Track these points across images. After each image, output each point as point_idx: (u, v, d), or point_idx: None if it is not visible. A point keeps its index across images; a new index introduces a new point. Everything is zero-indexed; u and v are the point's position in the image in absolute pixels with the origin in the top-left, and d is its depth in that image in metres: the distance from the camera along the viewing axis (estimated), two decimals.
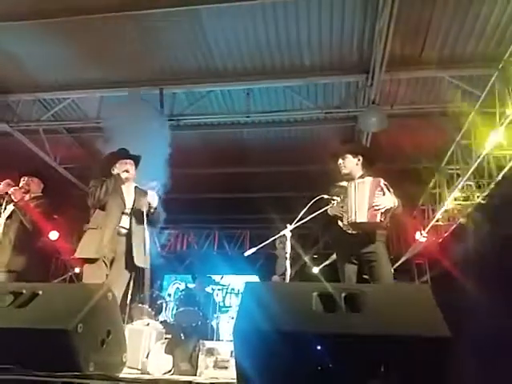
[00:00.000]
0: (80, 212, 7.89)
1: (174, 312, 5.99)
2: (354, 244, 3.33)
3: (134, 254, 3.39)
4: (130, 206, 3.55)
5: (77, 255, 3.35)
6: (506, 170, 5.31)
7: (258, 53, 5.34)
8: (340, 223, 3.37)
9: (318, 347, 1.69)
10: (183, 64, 5.52)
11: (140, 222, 3.50)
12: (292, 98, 6.00)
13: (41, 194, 4.43)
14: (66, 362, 2.00)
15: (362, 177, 3.51)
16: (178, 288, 7.13)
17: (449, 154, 6.20)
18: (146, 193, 3.61)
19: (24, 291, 2.35)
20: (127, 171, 3.60)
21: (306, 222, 3.25)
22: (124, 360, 2.42)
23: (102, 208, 3.46)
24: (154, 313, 5.43)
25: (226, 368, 3.84)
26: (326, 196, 3.37)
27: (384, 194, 3.28)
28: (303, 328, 1.72)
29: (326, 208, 3.32)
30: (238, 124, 6.61)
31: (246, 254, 3.42)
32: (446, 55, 5.19)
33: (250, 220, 8.86)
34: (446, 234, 7.31)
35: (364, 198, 3.29)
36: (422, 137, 6.36)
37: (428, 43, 5.05)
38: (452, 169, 6.20)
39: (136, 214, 3.53)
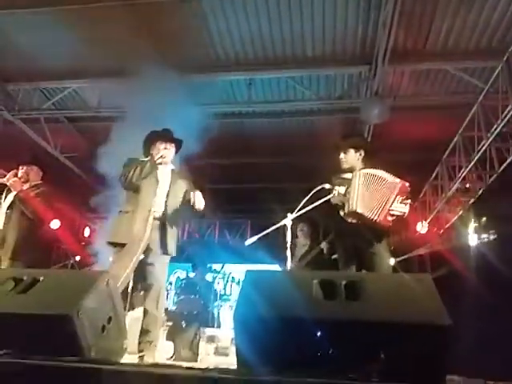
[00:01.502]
0: (81, 200, 7.97)
1: (175, 300, 6.03)
2: (354, 233, 3.32)
3: (168, 242, 3.22)
4: (166, 190, 3.34)
5: (108, 239, 3.20)
6: (508, 161, 5.30)
7: (260, 43, 5.31)
8: (341, 213, 3.36)
9: (318, 333, 1.70)
10: (185, 53, 5.48)
11: (175, 207, 3.32)
12: (294, 88, 5.98)
13: (40, 182, 4.38)
14: (67, 347, 2.01)
15: (364, 168, 3.49)
16: (178, 277, 7.16)
17: (451, 145, 6.18)
18: (183, 177, 3.46)
19: (25, 277, 2.36)
20: (163, 156, 3.32)
21: (307, 212, 3.25)
22: (125, 346, 2.44)
23: (136, 191, 3.25)
24: None
25: (227, 355, 3.88)
26: (327, 186, 3.36)
27: (405, 202, 3.21)
28: (303, 314, 1.72)
29: (327, 197, 3.32)
30: (240, 114, 6.59)
31: (247, 243, 3.42)
32: (450, 47, 5.15)
33: (251, 210, 8.87)
34: (447, 226, 7.32)
35: (376, 191, 3.22)
36: (424, 128, 6.34)
37: (432, 35, 5.02)
38: (454, 160, 6.19)
39: (171, 199, 3.33)
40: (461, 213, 6.86)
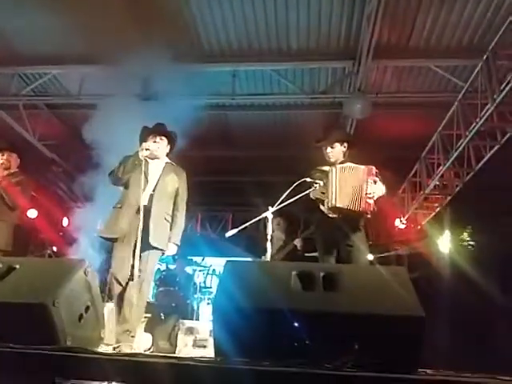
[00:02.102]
0: (59, 189, 7.83)
1: (155, 292, 6.00)
2: (333, 227, 3.37)
3: (151, 233, 3.19)
4: (154, 184, 3.35)
5: (99, 234, 3.27)
6: (484, 160, 5.42)
7: (245, 34, 5.28)
8: (322, 207, 3.41)
9: (295, 324, 1.72)
10: (168, 43, 5.40)
11: (162, 200, 3.33)
12: (278, 81, 5.97)
13: (17, 171, 4.27)
14: (43, 335, 2.00)
15: (342, 162, 3.56)
16: (158, 268, 7.12)
17: (430, 143, 6.28)
18: (178, 172, 3.49)
19: (0, 265, 2.33)
20: (147, 149, 3.31)
21: (287, 205, 3.28)
22: (102, 335, 2.43)
23: (125, 186, 3.33)
24: None
25: (205, 347, 3.89)
26: (308, 179, 3.39)
27: (376, 183, 3.33)
28: (281, 305, 1.74)
29: (307, 191, 3.35)
30: (223, 106, 6.55)
31: (228, 234, 3.44)
32: (433, 45, 5.22)
33: (233, 203, 8.86)
34: (424, 222, 7.46)
35: (348, 182, 3.33)
36: (404, 125, 6.43)
37: (415, 31, 5.07)
38: (433, 158, 6.29)
39: (158, 192, 3.33)
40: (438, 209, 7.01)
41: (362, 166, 3.40)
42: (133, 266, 3.13)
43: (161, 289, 5.92)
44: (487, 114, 4.66)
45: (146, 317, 4.67)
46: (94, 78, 5.92)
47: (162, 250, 3.33)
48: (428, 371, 1.87)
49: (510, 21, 4.20)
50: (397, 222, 7.68)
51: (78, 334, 2.14)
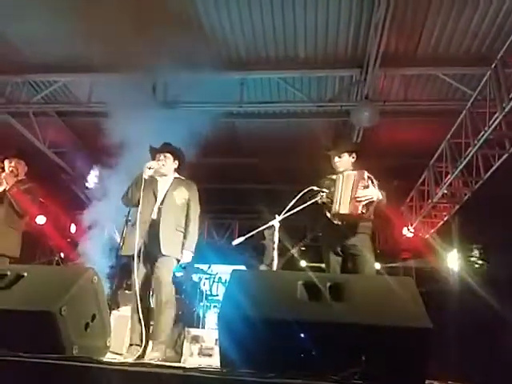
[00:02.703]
0: (68, 196, 7.89)
1: None
2: (339, 235, 3.37)
3: (161, 243, 3.34)
4: (161, 198, 3.52)
5: (121, 253, 3.39)
6: (493, 168, 5.37)
7: (253, 42, 5.32)
8: (328, 214, 3.40)
9: (302, 335, 1.71)
10: (178, 51, 5.45)
11: (170, 211, 3.48)
12: (285, 89, 5.99)
13: (25, 178, 4.30)
14: (49, 344, 1.99)
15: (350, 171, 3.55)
16: None
17: (439, 151, 6.25)
18: (187, 186, 3.63)
19: (8, 273, 2.34)
20: (150, 168, 3.47)
21: (294, 214, 3.27)
22: (108, 344, 2.42)
23: (137, 204, 3.46)
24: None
25: (211, 355, 3.87)
26: (315, 188, 3.39)
27: (367, 187, 3.33)
28: (287, 316, 1.73)
29: (315, 199, 3.34)
30: (231, 114, 6.58)
31: (234, 243, 3.43)
32: (441, 53, 5.22)
33: (239, 210, 8.86)
34: (432, 231, 7.40)
35: (348, 189, 3.35)
36: (412, 134, 6.41)
37: (423, 40, 5.07)
38: (441, 166, 6.25)
39: (166, 204, 3.50)
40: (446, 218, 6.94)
41: (355, 171, 3.42)
42: (151, 279, 3.35)
43: None
44: (496, 122, 4.63)
45: (151, 325, 4.67)
46: (103, 86, 5.98)
47: (176, 258, 3.44)
48: (435, 383, 1.85)
49: None
50: (404, 231, 7.63)
51: (84, 342, 2.14)
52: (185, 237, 3.52)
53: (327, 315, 1.76)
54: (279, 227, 4.84)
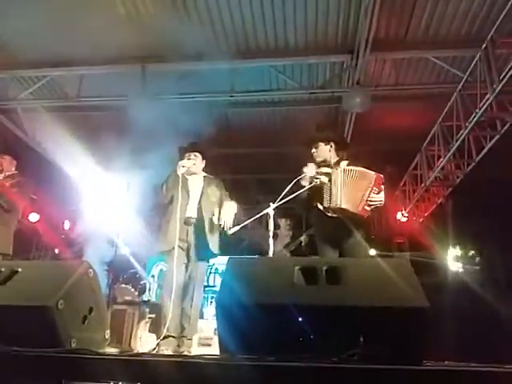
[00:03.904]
0: (61, 192, 7.83)
1: (158, 292, 6.00)
2: (335, 227, 3.35)
3: (205, 245, 3.54)
4: (198, 197, 3.68)
5: (156, 249, 3.57)
6: (485, 150, 5.40)
7: (242, 31, 5.26)
8: (320, 206, 3.39)
9: (300, 319, 1.71)
10: (166, 42, 5.39)
11: (209, 210, 3.65)
12: (277, 77, 5.95)
13: (15, 172, 4.22)
14: (47, 338, 1.99)
15: (338, 163, 3.55)
16: (161, 269, 7.12)
17: (430, 135, 6.26)
18: (217, 184, 3.83)
19: (3, 269, 2.32)
20: (183, 166, 3.63)
21: (288, 202, 3.28)
22: (106, 337, 2.42)
23: (171, 202, 3.63)
24: (137, 293, 5.42)
25: (210, 345, 3.88)
26: (310, 172, 3.37)
27: (380, 192, 3.33)
28: (285, 300, 1.73)
29: (309, 186, 3.33)
30: (222, 104, 6.53)
31: (230, 232, 3.44)
32: (431, 36, 5.20)
33: (236, 200, 8.84)
34: (426, 214, 7.45)
35: (357, 187, 3.30)
36: (404, 118, 6.41)
37: (413, 24, 5.05)
38: (433, 150, 6.27)
39: (204, 204, 3.67)
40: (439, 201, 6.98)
41: (373, 173, 3.35)
42: (183, 276, 3.50)
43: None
44: (487, 103, 4.64)
45: (150, 317, 4.68)
46: (92, 80, 5.91)
47: (212, 253, 3.66)
48: (434, 362, 1.87)
49: (508, 9, 4.17)
50: (398, 216, 7.67)
51: (82, 335, 2.13)
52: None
53: (325, 299, 1.77)
54: (288, 218, 5.04)
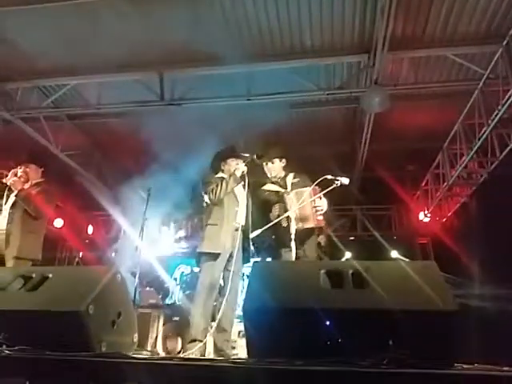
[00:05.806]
0: (83, 198, 7.98)
1: (181, 295, 6.06)
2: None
3: (250, 251, 3.55)
4: (245, 204, 3.65)
5: (200, 249, 3.49)
6: (509, 147, 5.29)
7: (258, 34, 5.27)
8: (284, 224, 3.45)
9: (327, 323, 1.71)
10: (183, 48, 5.45)
11: (255, 215, 3.64)
12: (293, 79, 5.93)
13: (42, 180, 4.33)
14: (78, 342, 2.03)
15: (284, 178, 3.75)
16: (183, 272, 7.17)
17: (452, 133, 6.16)
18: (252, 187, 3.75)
19: (34, 275, 2.38)
20: (242, 170, 3.61)
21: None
22: (135, 340, 2.46)
23: (220, 205, 3.56)
24: (161, 296, 5.49)
25: (234, 348, 3.90)
26: (329, 177, 3.38)
27: (321, 198, 3.46)
28: (312, 304, 1.74)
29: (330, 188, 3.35)
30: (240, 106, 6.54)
31: (252, 235, 3.45)
32: (449, 33, 5.12)
33: None
34: (449, 214, 7.32)
35: (306, 205, 3.43)
36: (424, 117, 6.32)
37: (430, 21, 4.98)
38: (455, 148, 6.17)
39: (252, 209, 3.65)
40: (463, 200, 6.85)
41: (307, 188, 3.46)
42: (224, 280, 3.49)
43: (187, 292, 5.97)
44: (510, 100, 4.55)
45: (174, 320, 4.73)
46: (112, 87, 6.01)
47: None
48: (464, 366, 1.84)
49: None
50: (421, 216, 7.56)
51: (111, 339, 2.18)
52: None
53: (352, 302, 1.77)
54: None
